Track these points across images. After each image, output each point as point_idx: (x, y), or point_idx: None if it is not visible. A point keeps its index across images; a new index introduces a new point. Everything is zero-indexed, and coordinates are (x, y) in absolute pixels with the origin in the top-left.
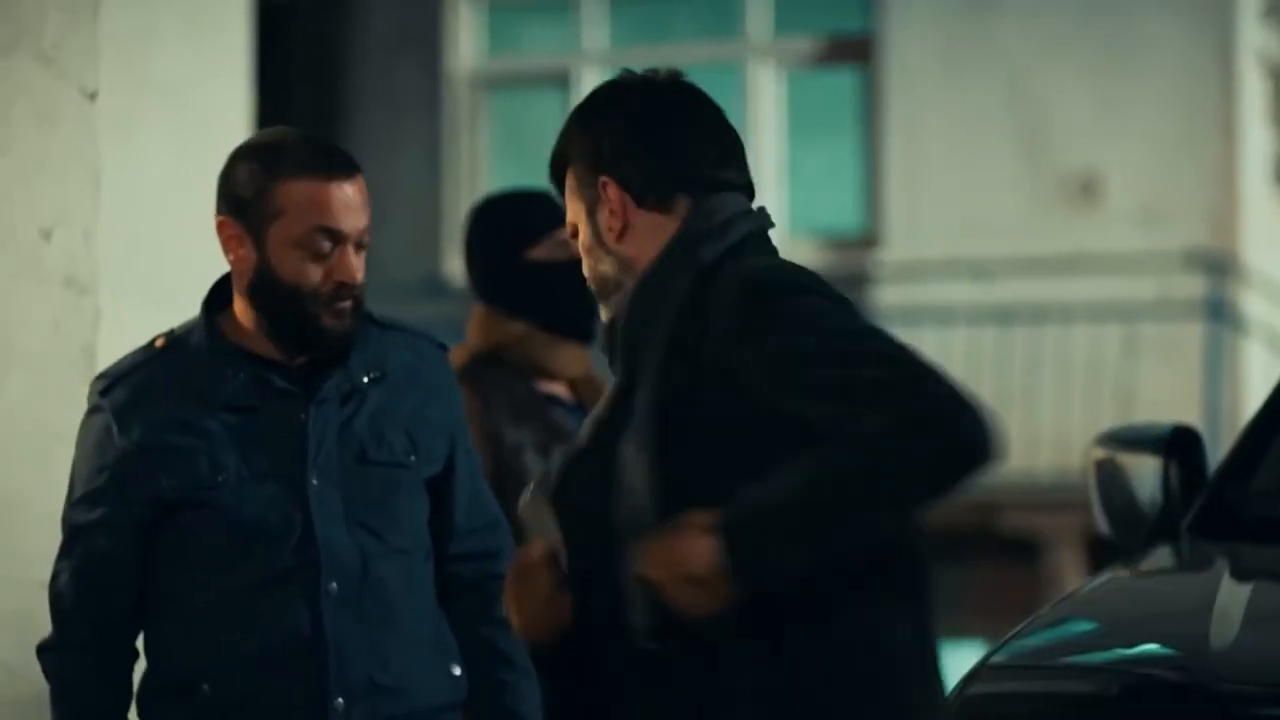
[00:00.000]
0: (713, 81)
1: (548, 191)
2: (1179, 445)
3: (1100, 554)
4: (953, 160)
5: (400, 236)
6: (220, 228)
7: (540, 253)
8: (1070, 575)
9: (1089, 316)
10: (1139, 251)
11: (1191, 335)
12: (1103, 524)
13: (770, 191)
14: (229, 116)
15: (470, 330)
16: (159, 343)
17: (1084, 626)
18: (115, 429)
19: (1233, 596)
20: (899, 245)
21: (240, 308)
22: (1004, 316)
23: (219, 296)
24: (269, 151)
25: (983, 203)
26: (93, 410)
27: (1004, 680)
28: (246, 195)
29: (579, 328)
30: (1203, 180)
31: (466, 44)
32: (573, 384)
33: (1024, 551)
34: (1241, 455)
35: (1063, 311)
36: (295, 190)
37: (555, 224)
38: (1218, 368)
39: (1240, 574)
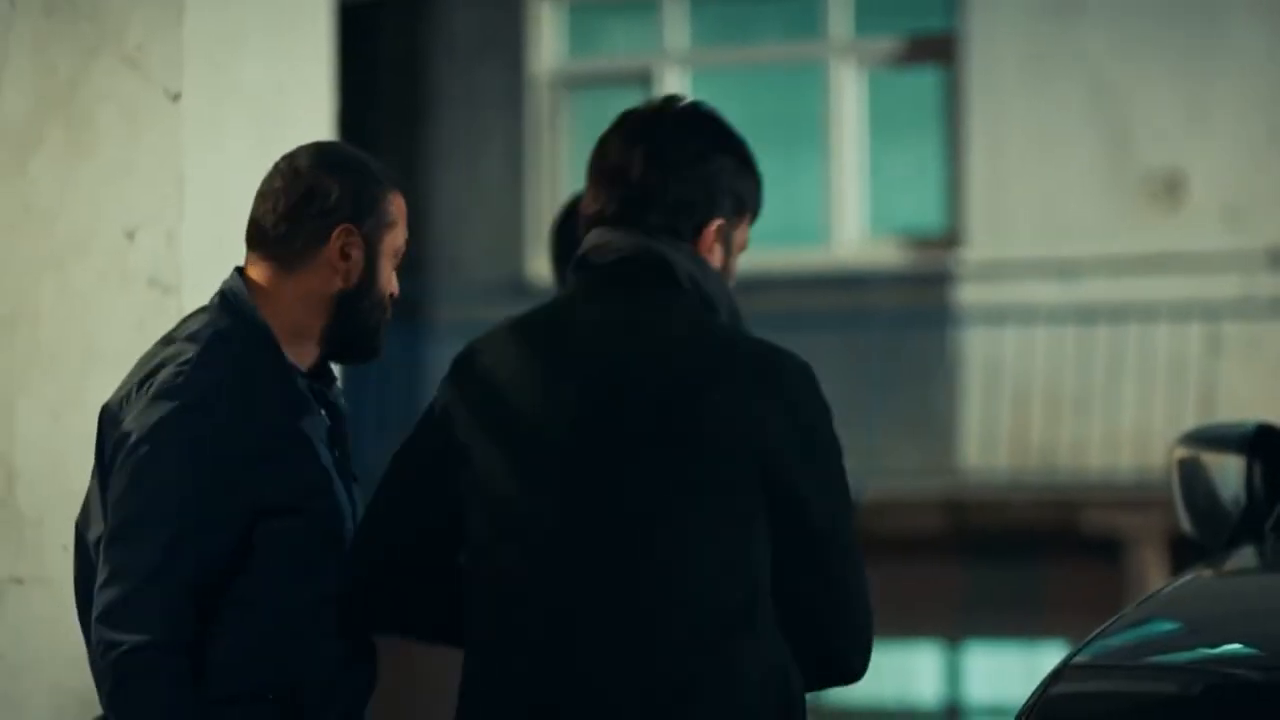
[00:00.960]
0: (794, 81)
1: None
2: (1262, 444)
3: (1183, 554)
4: (1035, 159)
5: (482, 237)
6: (343, 234)
7: None
8: (1153, 575)
9: (1172, 316)
10: (1222, 251)
11: (1275, 334)
12: (1186, 523)
13: (851, 191)
14: (312, 119)
15: None
16: (188, 344)
17: (1167, 626)
18: (214, 430)
19: None
20: (981, 245)
21: (280, 310)
22: (1086, 316)
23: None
24: (363, 163)
25: (1065, 202)
26: (185, 409)
27: (1087, 680)
28: (364, 204)
29: None
30: None
31: (548, 44)
32: None
33: (1106, 551)
34: None
35: (1145, 311)
36: (400, 203)
37: None
38: None
39: None
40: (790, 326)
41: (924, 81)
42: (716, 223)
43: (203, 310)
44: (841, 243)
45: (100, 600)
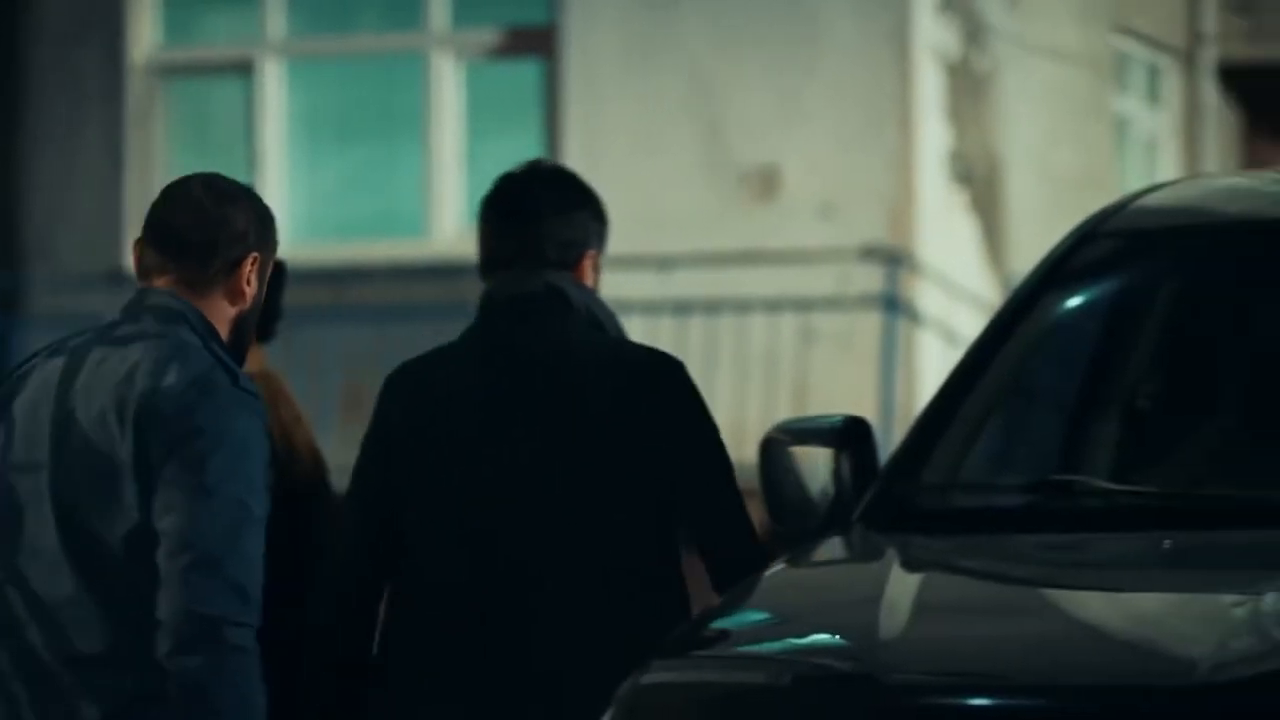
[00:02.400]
0: (393, 72)
1: None
2: (851, 437)
3: (774, 545)
4: (632, 153)
5: (80, 228)
6: (254, 263)
7: None
8: None
9: (766, 309)
10: (817, 245)
11: (868, 328)
12: (775, 514)
13: (449, 183)
14: None
15: None
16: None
17: (755, 616)
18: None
19: (901, 587)
20: None
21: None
22: (682, 309)
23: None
24: (257, 195)
25: (662, 196)
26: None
27: (675, 670)
28: (269, 231)
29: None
30: (880, 174)
31: (146, 32)
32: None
33: None
34: (911, 448)
35: (740, 304)
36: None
37: None
38: (892, 361)
39: (909, 565)
40: (389, 317)
41: (523, 73)
42: (590, 253)
43: (128, 323)
44: (439, 234)
45: (221, 582)
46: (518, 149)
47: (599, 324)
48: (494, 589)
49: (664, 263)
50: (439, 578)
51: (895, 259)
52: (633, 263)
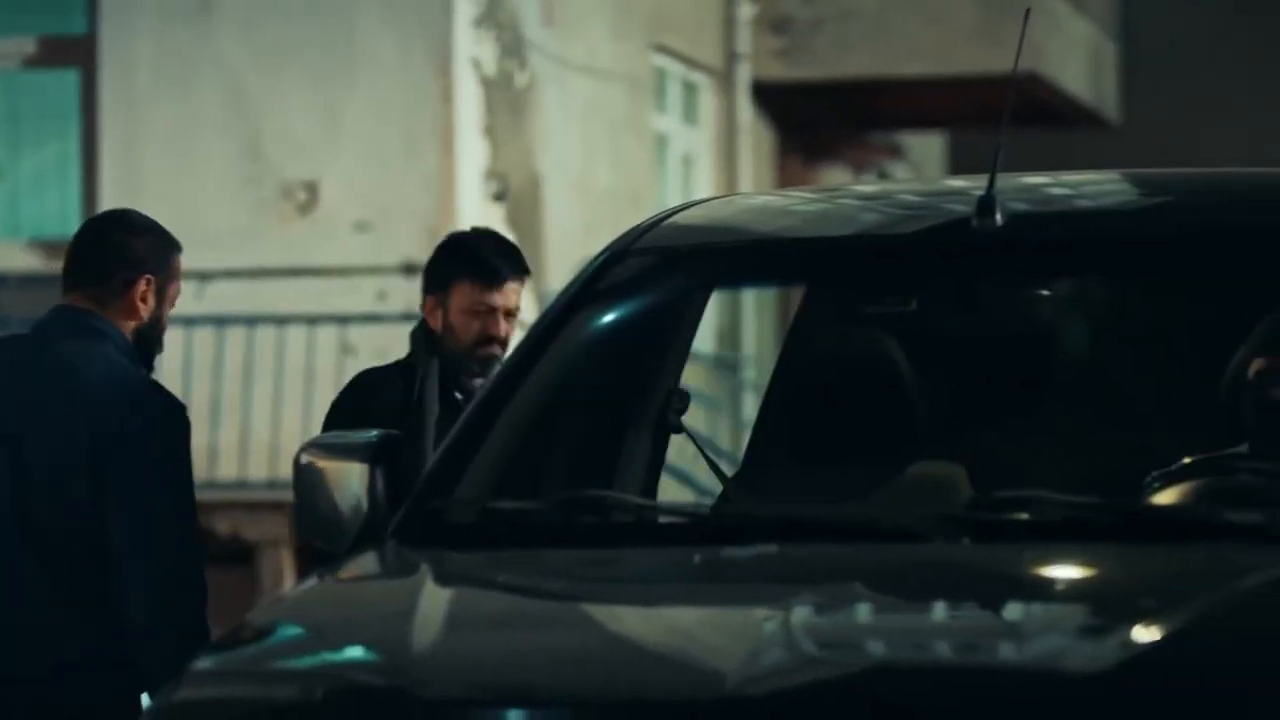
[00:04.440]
0: None
1: None
2: (385, 452)
3: (311, 560)
4: (171, 166)
5: None
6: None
7: None
8: (288, 581)
9: (305, 324)
10: (356, 261)
11: (406, 344)
12: (309, 529)
13: None
14: None
15: None
16: None
17: (289, 631)
18: None
19: (434, 602)
20: None
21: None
22: (220, 322)
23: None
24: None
25: (202, 209)
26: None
27: (209, 687)
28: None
29: None
30: (418, 191)
31: None
32: None
33: (239, 558)
34: (445, 463)
35: (279, 319)
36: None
37: None
38: None
39: (442, 579)
40: None
41: (61, 84)
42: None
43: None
44: None
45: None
46: (56, 161)
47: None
48: None
49: (203, 276)
50: None
51: None
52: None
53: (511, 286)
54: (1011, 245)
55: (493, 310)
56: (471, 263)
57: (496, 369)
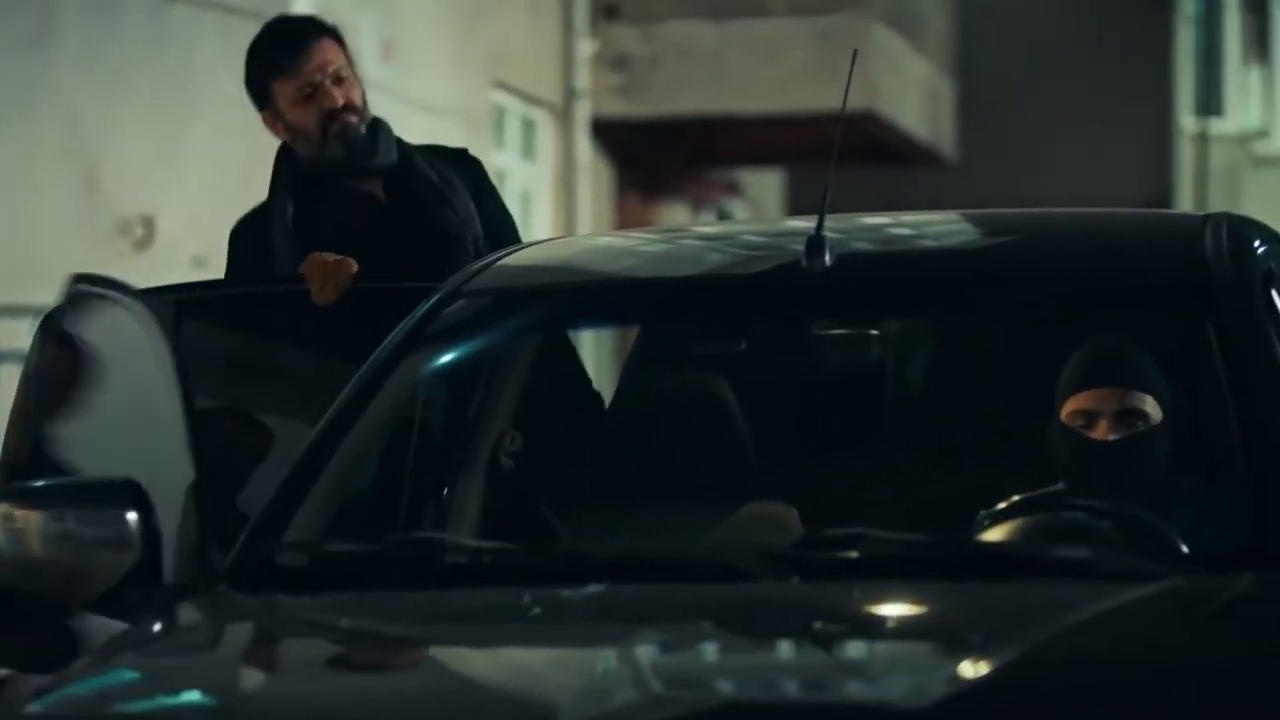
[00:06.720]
0: None
1: None
2: (139, 499)
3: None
4: (5, 199)
5: None
6: None
7: None
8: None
9: None
10: None
11: None
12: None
13: None
14: None
15: None
16: None
17: (122, 676)
18: None
19: (265, 646)
20: None
21: None
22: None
23: None
24: None
25: (37, 244)
26: None
27: None
28: None
29: None
30: None
31: None
32: None
33: None
34: (275, 508)
35: None
36: None
37: None
38: None
39: (273, 624)
40: None
41: None
42: None
43: None
44: None
45: None
46: None
47: None
48: None
49: (39, 313)
50: None
51: None
52: (5, 312)
53: (318, 50)
54: (841, 285)
55: (317, 86)
56: (269, 53)
57: (362, 130)
